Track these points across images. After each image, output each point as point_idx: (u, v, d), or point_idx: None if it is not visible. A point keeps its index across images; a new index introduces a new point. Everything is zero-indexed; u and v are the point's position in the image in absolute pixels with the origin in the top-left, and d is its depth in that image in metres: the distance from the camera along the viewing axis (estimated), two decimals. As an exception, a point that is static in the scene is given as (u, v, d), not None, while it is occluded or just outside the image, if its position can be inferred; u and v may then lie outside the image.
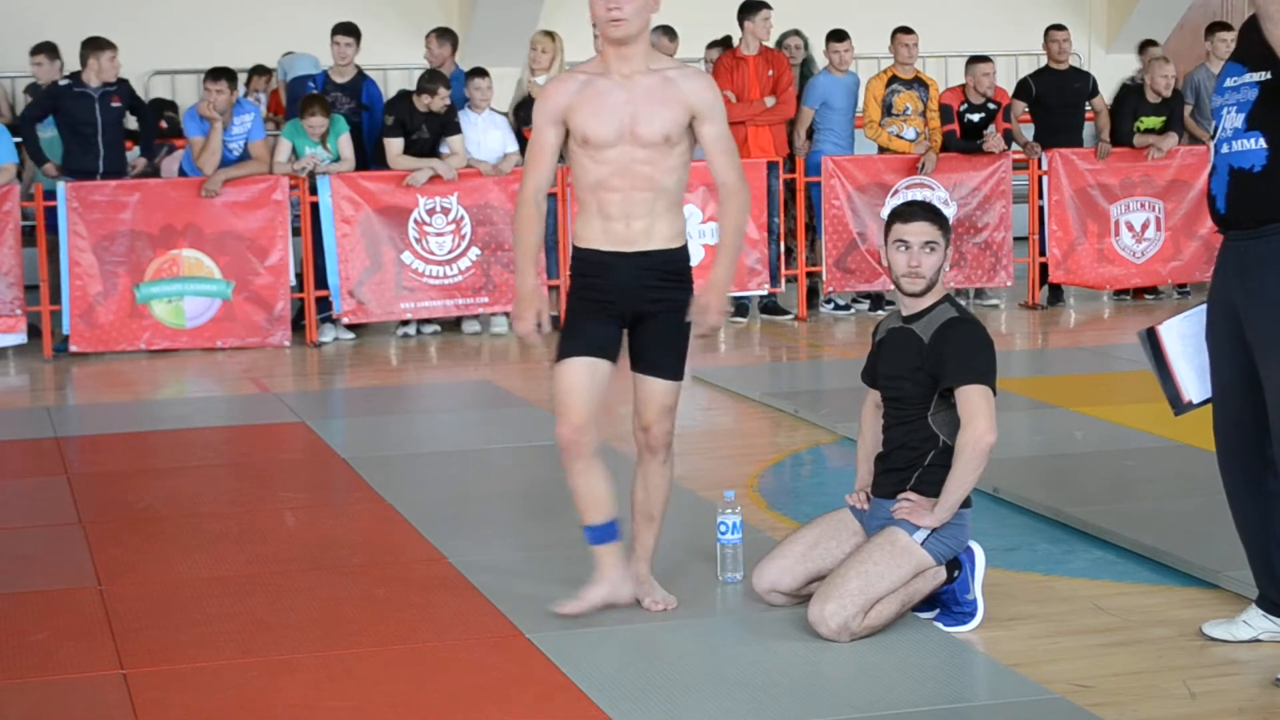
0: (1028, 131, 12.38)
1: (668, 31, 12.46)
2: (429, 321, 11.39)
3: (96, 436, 8.36)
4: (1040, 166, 12.14)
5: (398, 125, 11.17)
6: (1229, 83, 4.70)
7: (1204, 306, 4.99)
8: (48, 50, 12.04)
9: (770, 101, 11.80)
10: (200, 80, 11.30)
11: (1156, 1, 17.48)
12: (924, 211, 5.16)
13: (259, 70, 14.24)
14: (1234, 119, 4.63)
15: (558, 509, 6.17)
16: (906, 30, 12.11)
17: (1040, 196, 12.22)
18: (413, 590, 5.59)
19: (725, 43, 12.31)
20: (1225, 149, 4.66)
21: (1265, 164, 4.57)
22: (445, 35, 12.16)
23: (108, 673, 4.82)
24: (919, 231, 5.07)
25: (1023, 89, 12.42)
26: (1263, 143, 4.57)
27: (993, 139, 11.96)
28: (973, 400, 4.93)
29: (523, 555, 5.91)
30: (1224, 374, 4.80)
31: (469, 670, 4.81)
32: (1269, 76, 4.56)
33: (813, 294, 12.23)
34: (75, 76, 10.97)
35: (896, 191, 11.64)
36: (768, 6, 11.83)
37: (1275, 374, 4.60)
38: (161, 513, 6.76)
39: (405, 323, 11.41)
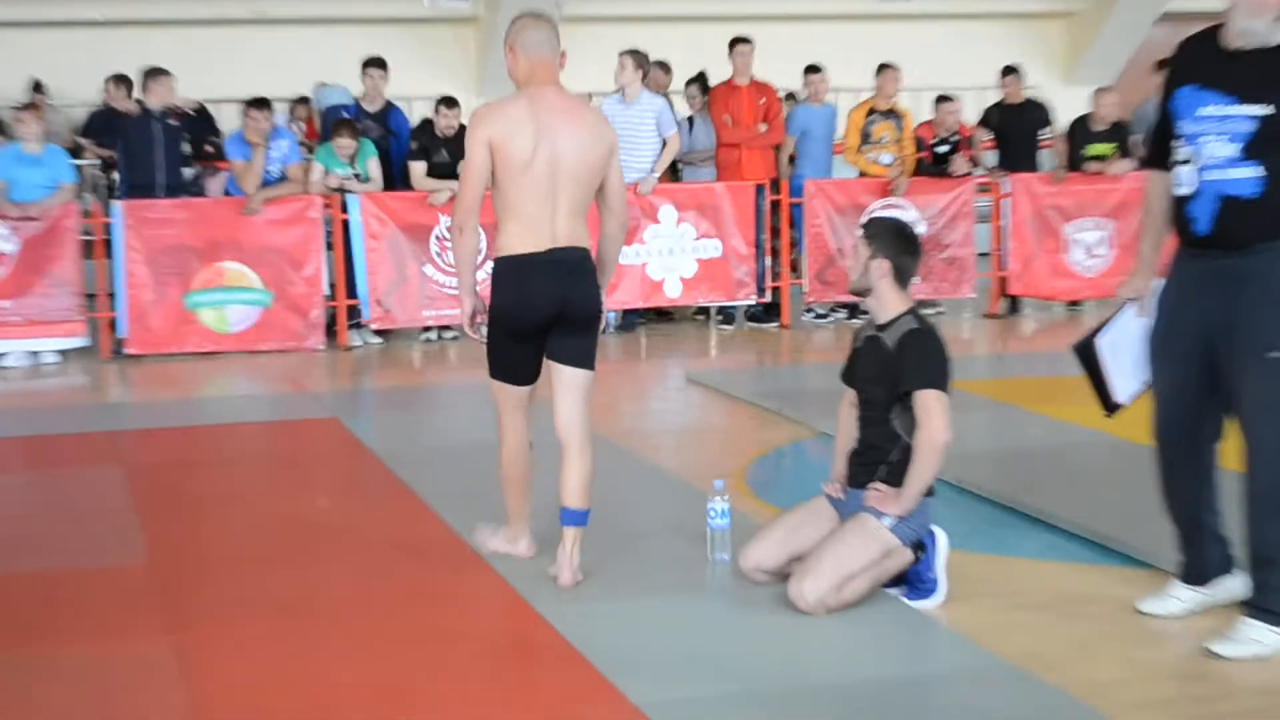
0: (991, 158, 12.47)
1: (663, 66, 12.54)
2: (448, 328, 11.44)
3: (149, 430, 8.38)
4: (1001, 190, 12.21)
5: (421, 150, 11.23)
6: (1211, 111, 4.59)
7: (1122, 313, 5.01)
8: (119, 80, 12.37)
9: (763, 128, 11.87)
10: (241, 109, 11.36)
11: (1109, 41, 17.53)
12: (867, 220, 5.29)
13: (301, 100, 14.33)
14: (1224, 148, 4.54)
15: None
16: (892, 66, 12.18)
17: (1000, 217, 12.29)
18: (433, 568, 5.62)
19: (700, 79, 12.35)
20: (1212, 175, 4.58)
21: (1263, 191, 4.52)
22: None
23: (159, 641, 4.86)
24: (850, 238, 5.23)
25: (984, 120, 12.50)
26: (1261, 171, 4.51)
27: (958, 161, 12.08)
28: (928, 403, 4.97)
29: (533, 536, 5.94)
30: (1177, 376, 4.79)
31: (485, 639, 4.85)
32: (1273, 111, 4.49)
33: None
34: (137, 101, 11.09)
35: (871, 211, 11.67)
36: (747, 41, 11.95)
37: (1253, 378, 4.59)
38: (207, 498, 6.80)
39: (427, 329, 11.47)
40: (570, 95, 5.30)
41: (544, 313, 5.19)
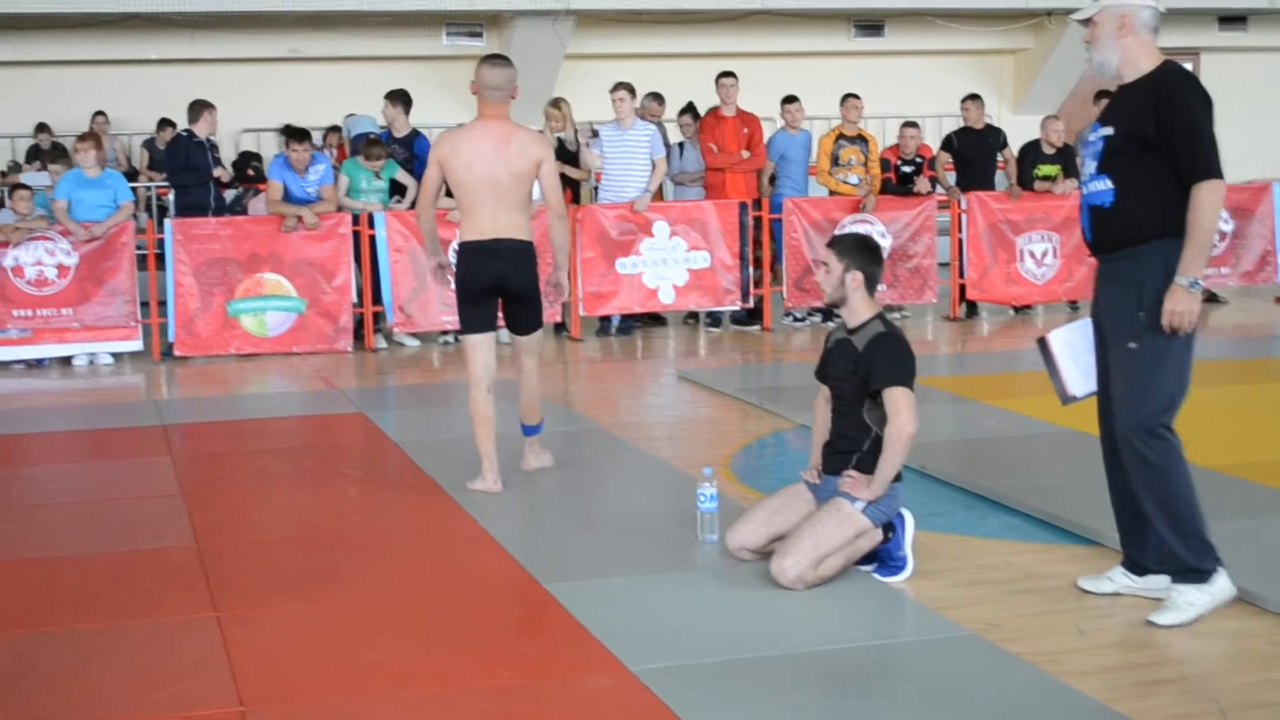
0: (951, 178, 12.40)
1: (657, 97, 12.50)
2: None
3: (195, 424, 8.34)
4: (960, 206, 12.16)
5: (440, 172, 11.17)
6: (1090, 136, 4.74)
7: (1085, 319, 4.98)
8: (169, 124, 12.37)
9: (746, 154, 11.83)
10: (278, 137, 11.31)
11: (1053, 74, 17.51)
12: (833, 238, 5.25)
13: (333, 129, 14.31)
14: (1090, 166, 4.66)
15: (568, 483, 6.18)
16: (854, 96, 12.15)
17: (959, 230, 12.24)
18: (451, 549, 5.57)
19: (690, 109, 12.33)
20: (1085, 189, 4.69)
21: (1113, 202, 4.58)
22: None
23: (204, 615, 4.81)
24: (821, 254, 5.17)
25: (947, 143, 12.44)
26: (1109, 184, 4.58)
27: (921, 182, 12.04)
28: (896, 399, 4.93)
29: (540, 520, 5.90)
30: (1101, 368, 4.79)
31: (497, 614, 4.80)
32: (1112, 132, 4.58)
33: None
34: (189, 132, 11.04)
35: (843, 226, 11.65)
36: (732, 75, 11.91)
37: (1116, 366, 4.63)
38: (248, 485, 6.75)
39: (445, 333, 11.40)
40: (509, 123, 6.24)
41: (485, 283, 6.27)
